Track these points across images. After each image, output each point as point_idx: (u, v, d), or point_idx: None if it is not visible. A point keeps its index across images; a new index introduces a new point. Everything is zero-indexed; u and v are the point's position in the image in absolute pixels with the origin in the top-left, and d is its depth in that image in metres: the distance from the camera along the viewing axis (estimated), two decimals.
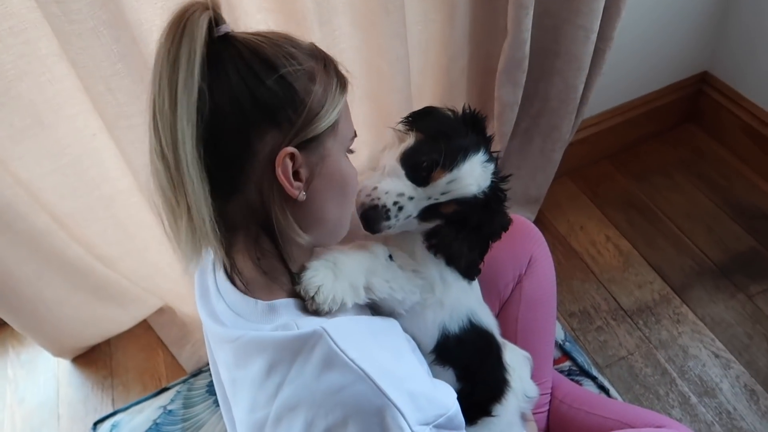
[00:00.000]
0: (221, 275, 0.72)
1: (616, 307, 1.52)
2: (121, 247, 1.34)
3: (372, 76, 1.22)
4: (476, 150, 0.75)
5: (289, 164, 0.63)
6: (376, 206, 0.74)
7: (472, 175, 0.75)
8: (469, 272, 0.84)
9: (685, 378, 1.37)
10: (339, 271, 0.71)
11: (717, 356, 1.40)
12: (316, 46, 0.68)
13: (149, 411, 1.23)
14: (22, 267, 1.25)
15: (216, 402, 1.23)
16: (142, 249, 1.36)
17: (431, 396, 0.64)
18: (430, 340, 0.83)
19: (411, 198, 0.75)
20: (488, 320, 0.90)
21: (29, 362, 1.59)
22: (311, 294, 0.68)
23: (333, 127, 0.66)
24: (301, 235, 0.67)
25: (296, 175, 0.64)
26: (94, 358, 1.56)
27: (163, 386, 1.30)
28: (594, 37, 1.29)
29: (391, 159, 0.78)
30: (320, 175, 0.66)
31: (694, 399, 1.34)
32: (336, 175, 0.68)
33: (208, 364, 1.36)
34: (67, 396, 1.50)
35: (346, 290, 0.71)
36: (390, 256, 0.79)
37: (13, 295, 1.28)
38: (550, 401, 1.12)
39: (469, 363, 0.87)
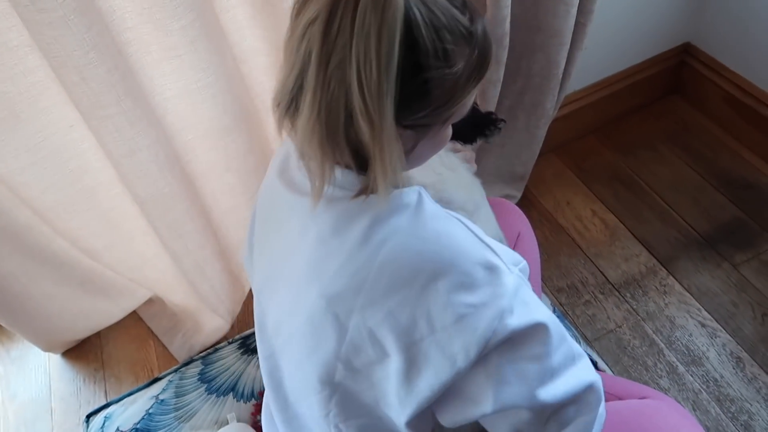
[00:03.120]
0: None
1: (603, 280, 1.53)
2: (106, 239, 1.33)
3: None
4: None
5: None
6: None
7: None
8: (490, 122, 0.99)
9: (672, 348, 1.39)
10: None
11: (703, 325, 1.42)
12: (479, 18, 0.64)
13: (141, 401, 1.23)
14: (7, 263, 1.24)
15: (208, 390, 1.24)
16: (128, 240, 1.35)
17: (507, 248, 0.71)
18: None
19: None
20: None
21: (19, 358, 1.58)
22: None
23: (449, 116, 0.66)
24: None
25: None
26: (84, 351, 1.55)
27: (155, 376, 1.30)
28: (575, 11, 1.28)
29: None
30: (419, 144, 0.68)
31: (681, 368, 1.36)
32: (434, 142, 0.70)
33: (199, 353, 1.36)
34: (59, 390, 1.50)
35: None
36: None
37: None
38: None
39: None
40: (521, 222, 1.12)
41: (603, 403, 0.71)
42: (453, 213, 0.70)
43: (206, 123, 1.16)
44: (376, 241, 0.65)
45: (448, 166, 0.95)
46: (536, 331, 0.65)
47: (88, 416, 1.25)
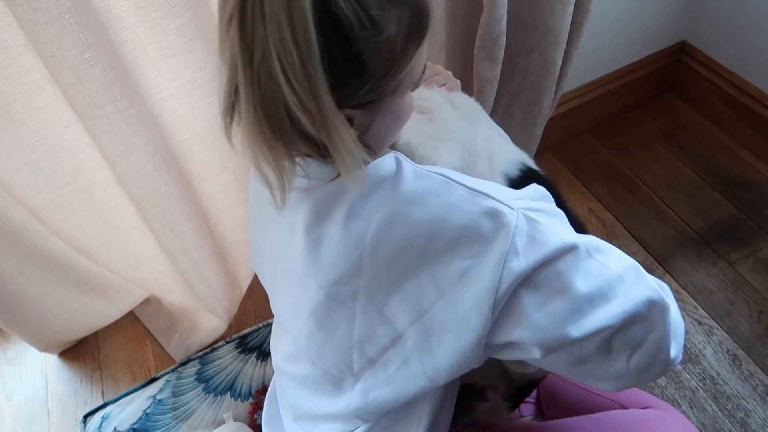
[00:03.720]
0: None
1: None
2: (102, 239, 1.33)
3: None
4: None
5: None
6: None
7: None
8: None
9: None
10: None
11: (700, 323, 1.42)
12: None
13: (139, 401, 1.23)
14: (2, 263, 1.23)
15: (206, 389, 1.23)
16: (124, 240, 1.35)
17: (507, 189, 0.67)
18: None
19: None
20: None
21: (16, 359, 1.58)
22: None
23: (398, 86, 0.62)
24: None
25: (350, 122, 0.62)
26: (81, 352, 1.55)
27: (152, 376, 1.30)
28: (571, 9, 1.28)
29: None
30: (374, 120, 0.65)
31: (678, 366, 1.36)
32: (392, 115, 0.66)
33: (196, 353, 1.36)
34: (56, 390, 1.49)
35: None
36: None
37: None
38: None
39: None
40: None
41: (672, 310, 0.66)
42: (435, 168, 0.67)
43: (202, 122, 1.15)
44: (362, 218, 0.64)
45: (428, 115, 0.85)
46: (557, 261, 0.61)
47: (85, 417, 1.25)
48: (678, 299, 1.46)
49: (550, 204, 0.67)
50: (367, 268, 0.64)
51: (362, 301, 0.65)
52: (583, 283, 0.62)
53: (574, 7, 1.28)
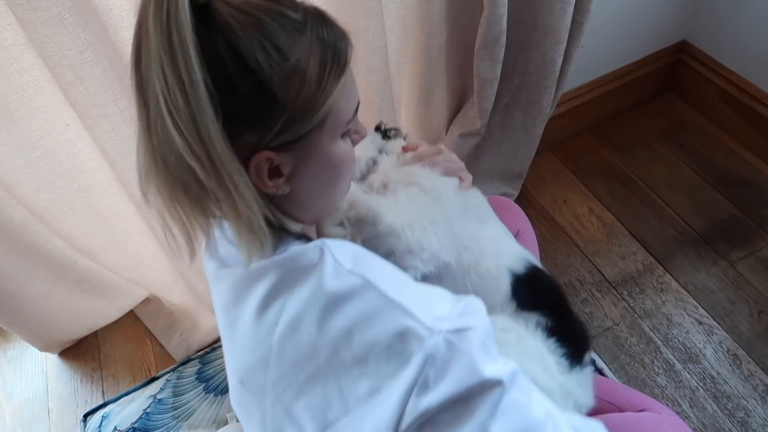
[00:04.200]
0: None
1: (600, 278, 1.54)
2: (102, 239, 1.33)
3: None
4: None
5: (266, 165, 0.58)
6: None
7: None
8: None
9: (669, 345, 1.39)
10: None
11: (700, 323, 1.42)
12: (314, 12, 0.58)
13: (139, 401, 1.23)
14: (2, 262, 1.23)
15: (206, 389, 1.23)
16: (123, 240, 1.35)
17: (441, 293, 0.61)
18: (503, 285, 0.81)
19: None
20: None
21: (16, 358, 1.58)
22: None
23: (322, 121, 0.58)
24: (287, 224, 0.63)
25: (276, 169, 0.59)
26: (82, 351, 1.55)
27: (153, 376, 1.30)
28: (571, 9, 1.28)
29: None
30: (306, 167, 0.60)
31: (678, 366, 1.36)
32: (325, 163, 0.62)
33: (196, 352, 1.36)
34: (56, 390, 1.49)
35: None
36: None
37: None
38: None
39: (553, 301, 0.84)
40: (520, 219, 1.11)
41: None
42: (367, 267, 0.60)
43: None
44: (274, 311, 0.59)
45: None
46: (473, 398, 0.55)
47: (86, 416, 1.25)
48: (678, 298, 1.46)
49: (481, 321, 0.59)
50: (274, 364, 0.60)
51: (271, 397, 0.61)
52: (498, 427, 0.55)
53: (575, 6, 1.28)
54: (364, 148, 0.91)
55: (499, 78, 1.36)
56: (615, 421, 0.87)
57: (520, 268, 0.85)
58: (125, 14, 0.97)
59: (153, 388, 1.26)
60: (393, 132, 0.98)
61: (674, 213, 1.64)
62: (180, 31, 0.50)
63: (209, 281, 0.74)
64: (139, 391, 1.26)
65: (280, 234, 0.64)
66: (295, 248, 0.61)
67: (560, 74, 1.42)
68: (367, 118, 1.30)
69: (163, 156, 0.54)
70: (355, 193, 0.75)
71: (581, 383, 0.83)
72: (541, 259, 1.57)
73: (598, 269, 1.55)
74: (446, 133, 1.54)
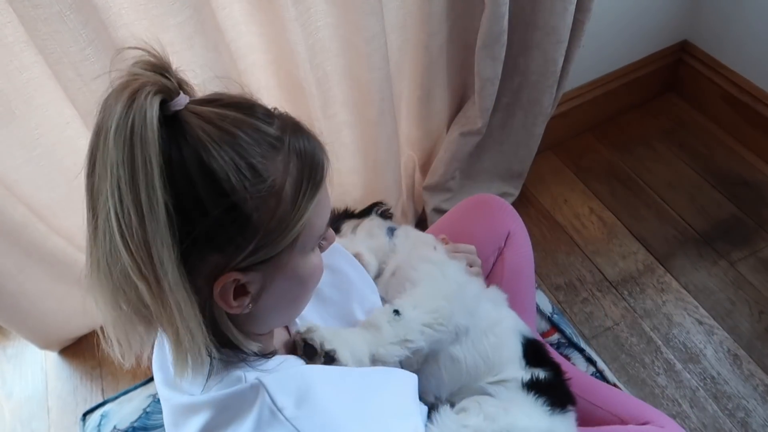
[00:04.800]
0: None
1: (601, 278, 1.53)
2: None
3: (349, 55, 1.20)
4: None
5: (232, 286, 0.55)
6: None
7: None
8: None
9: (669, 345, 1.39)
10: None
11: (701, 323, 1.42)
12: (290, 122, 0.56)
13: (139, 400, 1.23)
14: (2, 260, 1.23)
15: None
16: None
17: (404, 410, 0.61)
18: (514, 351, 0.90)
19: None
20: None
21: (15, 356, 1.57)
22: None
23: (295, 239, 0.56)
24: (244, 344, 0.59)
25: (242, 288, 0.56)
26: (81, 349, 1.55)
27: (152, 375, 1.30)
28: (572, 8, 1.28)
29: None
30: (273, 284, 0.58)
31: (678, 366, 1.36)
32: (292, 278, 0.59)
33: None
34: (56, 388, 1.49)
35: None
36: (396, 311, 0.81)
37: None
38: None
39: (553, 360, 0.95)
40: (512, 219, 1.10)
41: None
42: (314, 403, 0.57)
43: None
44: None
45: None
46: None
47: (85, 415, 1.25)
48: (679, 298, 1.46)
49: None
50: None
51: None
52: None
53: (576, 5, 1.28)
54: (375, 236, 0.99)
55: (500, 77, 1.36)
56: None
57: (530, 335, 0.96)
58: (125, 12, 0.97)
59: (153, 387, 1.25)
60: (391, 212, 1.07)
61: (675, 213, 1.64)
62: (145, 149, 0.47)
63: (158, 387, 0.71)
64: (139, 390, 1.26)
65: (227, 360, 0.60)
66: (231, 390, 0.57)
67: (561, 73, 1.42)
68: (367, 116, 1.29)
69: (108, 265, 0.51)
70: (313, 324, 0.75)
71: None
72: (542, 259, 1.57)
73: (598, 269, 1.55)
74: (447, 132, 1.54)
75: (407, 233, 1.01)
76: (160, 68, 0.53)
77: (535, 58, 1.39)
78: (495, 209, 1.09)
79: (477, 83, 1.37)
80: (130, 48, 0.53)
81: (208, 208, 0.50)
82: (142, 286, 0.49)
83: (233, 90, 0.59)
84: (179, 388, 0.63)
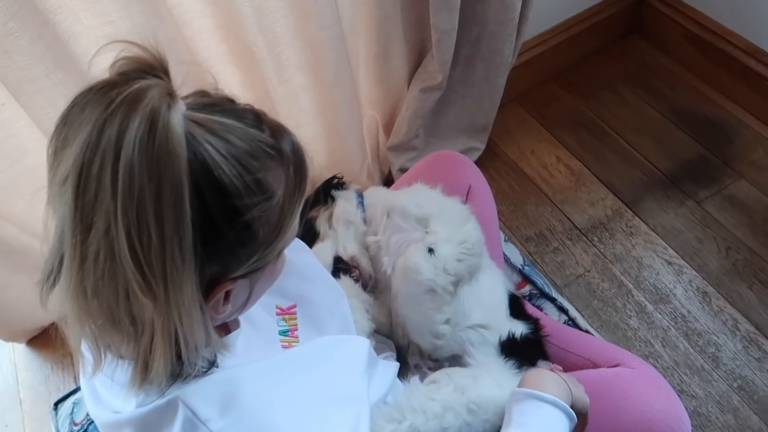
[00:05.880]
0: None
1: (570, 226, 1.53)
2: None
3: (298, 14, 1.14)
4: None
5: (223, 295, 0.55)
6: None
7: None
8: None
9: (640, 288, 1.41)
10: None
11: (670, 263, 1.43)
12: (276, 126, 0.55)
13: None
14: None
15: None
16: None
17: (338, 418, 0.61)
18: (502, 297, 0.97)
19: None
20: None
21: None
22: None
23: (283, 247, 0.58)
24: (217, 347, 0.58)
25: (228, 294, 0.56)
26: (50, 338, 1.51)
27: None
28: None
29: None
30: (255, 287, 0.59)
31: (650, 307, 1.37)
32: (269, 277, 0.61)
33: None
34: (26, 380, 1.46)
35: None
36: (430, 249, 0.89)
37: None
38: None
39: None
40: (472, 173, 1.09)
41: None
42: (240, 406, 0.56)
43: None
44: None
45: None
46: None
47: (57, 404, 1.23)
48: (648, 241, 1.47)
49: None
50: None
51: None
52: None
53: None
54: (354, 221, 1.00)
55: (457, 28, 1.32)
56: (589, 378, 0.87)
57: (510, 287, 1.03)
58: None
59: None
60: (343, 180, 1.08)
61: (641, 156, 1.64)
62: (174, 165, 0.44)
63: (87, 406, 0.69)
64: None
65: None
66: (149, 406, 0.55)
67: (520, 20, 1.38)
68: (324, 78, 1.25)
69: (100, 288, 0.48)
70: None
71: None
72: (511, 212, 1.57)
73: (567, 217, 1.55)
74: (408, 89, 1.50)
75: (378, 193, 1.04)
76: (162, 70, 0.49)
77: (493, 5, 1.34)
78: (455, 164, 1.08)
79: (434, 36, 1.32)
80: (123, 42, 0.50)
81: (223, 231, 0.49)
82: (149, 303, 0.48)
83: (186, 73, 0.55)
84: (105, 404, 0.62)
